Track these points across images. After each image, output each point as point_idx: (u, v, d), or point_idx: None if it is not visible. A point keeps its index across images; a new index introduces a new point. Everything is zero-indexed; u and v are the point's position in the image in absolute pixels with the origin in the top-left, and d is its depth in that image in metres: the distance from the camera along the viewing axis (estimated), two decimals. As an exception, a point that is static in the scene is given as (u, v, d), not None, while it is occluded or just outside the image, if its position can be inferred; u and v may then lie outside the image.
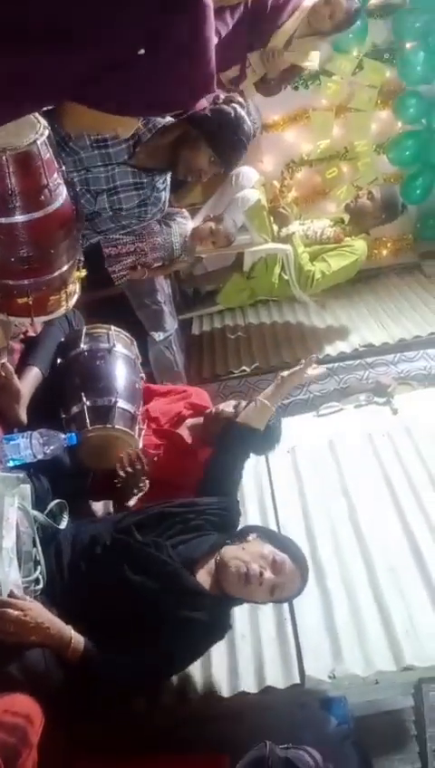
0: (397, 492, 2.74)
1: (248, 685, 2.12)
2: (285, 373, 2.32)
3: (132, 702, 1.97)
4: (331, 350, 3.85)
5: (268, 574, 1.88)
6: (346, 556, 2.53)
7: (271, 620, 2.32)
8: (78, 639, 1.72)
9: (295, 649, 2.23)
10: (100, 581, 1.83)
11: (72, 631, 1.72)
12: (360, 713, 2.34)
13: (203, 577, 1.91)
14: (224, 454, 2.24)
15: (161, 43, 1.19)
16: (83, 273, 2.09)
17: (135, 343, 2.51)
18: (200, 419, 2.60)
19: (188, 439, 2.57)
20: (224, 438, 2.27)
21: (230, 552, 1.94)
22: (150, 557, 1.85)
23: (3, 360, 2.04)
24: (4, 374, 2.04)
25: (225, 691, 2.10)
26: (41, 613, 1.67)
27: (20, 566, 1.67)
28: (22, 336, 2.23)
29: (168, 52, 1.21)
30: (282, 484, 2.84)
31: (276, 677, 2.15)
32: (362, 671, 2.15)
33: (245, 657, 2.21)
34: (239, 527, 2.13)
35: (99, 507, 2.47)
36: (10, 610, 1.60)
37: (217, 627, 1.93)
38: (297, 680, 2.14)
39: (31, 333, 2.26)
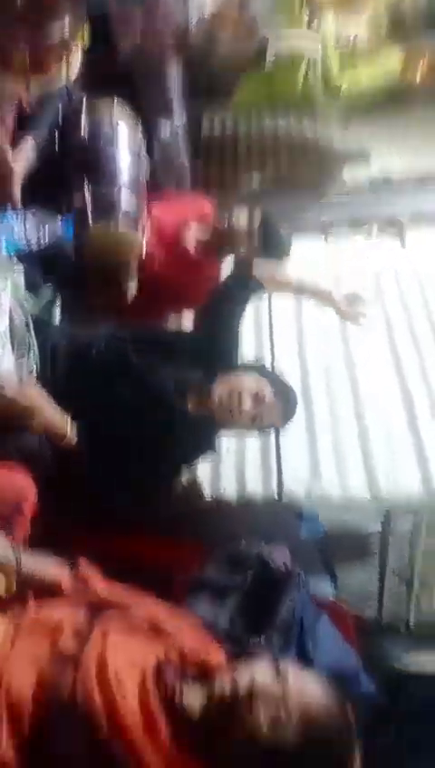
0: (395, 335, 2.70)
1: (229, 490, 2.20)
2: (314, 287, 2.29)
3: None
4: (347, 175, 3.58)
5: (249, 406, 1.89)
6: (336, 389, 2.54)
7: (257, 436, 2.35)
8: (72, 431, 1.73)
9: (276, 465, 2.29)
10: (91, 390, 1.82)
11: (69, 422, 1.72)
12: (330, 529, 2.47)
13: (193, 402, 1.93)
14: (228, 297, 2.16)
15: None
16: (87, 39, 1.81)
17: (140, 127, 2.28)
18: (207, 229, 2.44)
19: (192, 250, 2.44)
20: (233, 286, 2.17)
21: (217, 382, 1.93)
22: (144, 379, 1.85)
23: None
24: (-3, 146, 1.84)
25: (206, 492, 2.18)
26: (37, 395, 1.65)
27: (13, 352, 1.61)
28: (16, 102, 1.98)
29: None
30: (281, 313, 2.76)
31: (256, 488, 2.22)
32: (336, 493, 2.23)
33: (228, 466, 2.26)
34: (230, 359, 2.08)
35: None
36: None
37: (204, 445, 2.00)
38: (274, 493, 2.22)
39: (25, 101, 2.00)
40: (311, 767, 1.10)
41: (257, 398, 1.90)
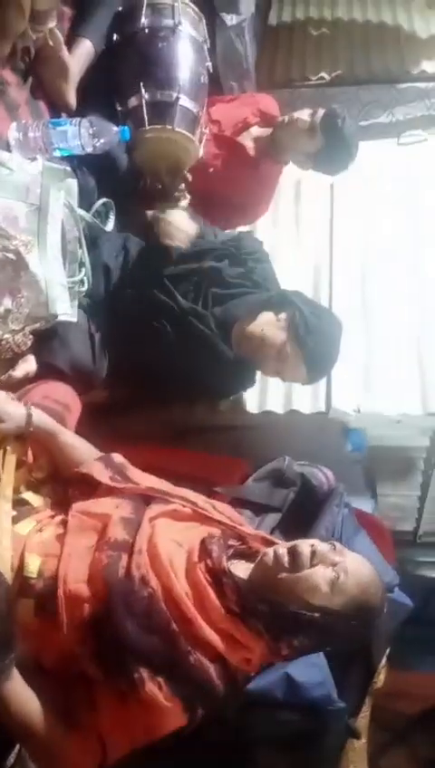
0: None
1: (275, 405, 2.22)
2: None
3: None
4: (428, 65, 3.27)
5: (274, 364, 1.88)
6: (397, 301, 2.45)
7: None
8: None
9: (326, 379, 2.27)
10: (138, 317, 1.82)
11: None
12: (375, 444, 2.48)
13: (236, 336, 1.90)
14: None
15: None
16: None
17: (204, 21, 2.13)
18: (268, 130, 2.31)
19: (252, 151, 2.32)
20: None
21: (254, 323, 1.88)
22: (191, 326, 1.83)
23: (51, 25, 1.74)
24: (52, 43, 1.76)
25: (252, 407, 2.20)
26: None
27: (64, 265, 1.61)
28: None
29: None
30: (344, 215, 2.64)
31: (303, 403, 2.23)
32: (387, 410, 2.21)
33: (276, 380, 2.26)
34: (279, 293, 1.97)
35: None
36: None
37: (246, 379, 2.02)
38: (323, 409, 2.22)
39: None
40: (350, 636, 1.21)
41: (282, 355, 1.84)
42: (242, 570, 1.22)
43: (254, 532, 1.34)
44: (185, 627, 1.14)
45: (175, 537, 1.25)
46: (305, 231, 2.63)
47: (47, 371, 1.63)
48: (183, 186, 2.11)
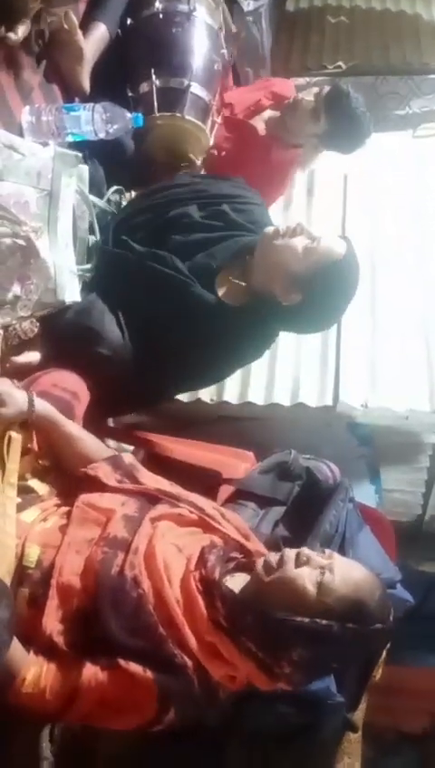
0: None
1: (282, 398, 2.21)
2: None
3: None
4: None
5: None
6: (406, 294, 2.44)
7: (317, 341, 2.31)
8: None
9: (334, 373, 2.26)
10: (146, 297, 1.66)
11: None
12: (382, 438, 2.47)
13: (226, 288, 1.68)
14: None
15: None
16: None
17: (221, 7, 2.10)
18: (278, 112, 2.28)
19: (263, 132, 2.28)
20: None
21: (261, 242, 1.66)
22: (150, 271, 1.62)
23: (66, 8, 1.72)
24: (67, 27, 1.74)
25: (259, 399, 2.19)
26: None
27: (74, 251, 1.60)
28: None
29: None
30: (356, 204, 2.62)
31: (310, 396, 2.22)
32: (395, 405, 2.20)
33: (283, 373, 2.26)
34: None
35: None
36: None
37: (255, 339, 1.75)
38: (330, 402, 2.21)
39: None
40: (350, 643, 1.16)
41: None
42: (240, 583, 1.21)
43: (258, 548, 1.33)
44: (172, 632, 1.13)
45: (176, 541, 1.25)
46: (317, 220, 2.61)
47: (70, 359, 1.56)
48: None
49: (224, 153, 2.22)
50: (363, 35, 3.36)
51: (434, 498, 2.70)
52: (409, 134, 2.89)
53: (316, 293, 1.61)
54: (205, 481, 1.69)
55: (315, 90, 2.18)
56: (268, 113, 2.32)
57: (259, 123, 2.30)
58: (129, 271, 1.65)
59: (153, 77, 1.88)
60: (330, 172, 2.60)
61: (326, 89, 2.15)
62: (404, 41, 3.31)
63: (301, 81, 2.97)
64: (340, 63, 3.19)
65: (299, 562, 1.16)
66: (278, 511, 1.73)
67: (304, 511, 1.74)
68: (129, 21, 1.96)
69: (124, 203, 1.84)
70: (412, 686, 3.00)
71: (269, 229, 1.65)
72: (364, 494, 2.28)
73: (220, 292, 1.66)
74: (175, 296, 1.62)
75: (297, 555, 1.17)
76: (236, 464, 1.81)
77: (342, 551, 1.70)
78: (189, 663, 1.12)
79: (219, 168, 2.17)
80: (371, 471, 2.45)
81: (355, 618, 1.14)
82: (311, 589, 1.13)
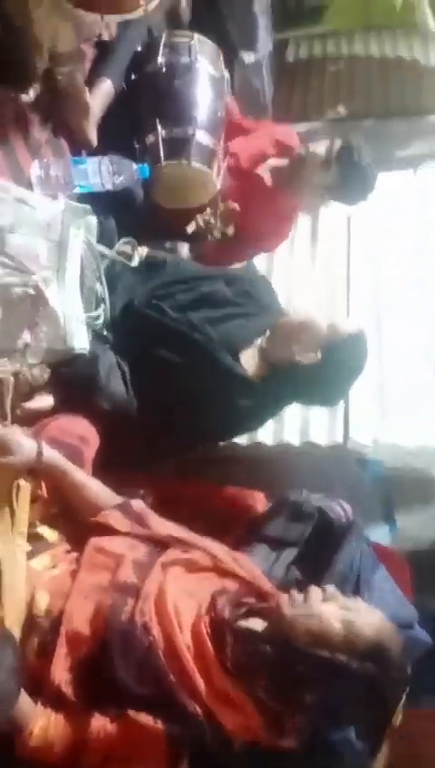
0: None
1: (292, 437, 2.21)
2: None
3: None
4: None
5: None
6: (413, 328, 2.45)
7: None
8: None
9: (344, 411, 2.27)
10: (141, 344, 1.74)
11: None
12: (394, 475, 2.46)
13: (247, 363, 1.79)
14: None
15: None
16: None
17: (222, 57, 2.17)
18: (285, 160, 2.34)
19: (269, 181, 2.34)
20: None
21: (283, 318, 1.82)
22: (183, 336, 1.72)
23: (73, 67, 1.79)
24: (74, 84, 1.81)
25: (269, 440, 2.20)
26: None
27: (82, 300, 1.63)
28: (95, 39, 1.93)
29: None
30: (360, 244, 2.66)
31: (320, 434, 2.22)
32: (405, 441, 2.19)
33: (292, 412, 2.26)
34: None
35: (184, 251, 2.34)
36: None
37: (266, 412, 1.87)
38: (340, 440, 2.21)
39: (105, 37, 1.95)
40: (366, 685, 1.15)
41: None
42: (254, 624, 1.20)
43: (274, 591, 1.32)
44: (182, 679, 1.12)
45: (187, 587, 1.24)
46: (322, 261, 2.65)
47: (78, 408, 1.60)
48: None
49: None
50: (364, 80, 3.45)
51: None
52: (410, 174, 2.94)
53: (335, 355, 1.73)
54: (215, 524, 1.68)
55: (325, 141, 2.24)
56: (273, 162, 2.38)
57: (264, 172, 2.35)
58: (159, 332, 1.73)
59: (159, 128, 1.94)
60: (333, 215, 2.64)
61: (338, 142, 2.21)
62: (403, 85, 3.40)
63: (302, 128, 3.04)
64: (340, 109, 3.27)
65: (325, 599, 1.17)
66: (291, 552, 1.71)
67: (318, 552, 1.72)
68: (133, 76, 2.03)
69: (136, 255, 1.87)
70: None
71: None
72: (378, 532, 2.26)
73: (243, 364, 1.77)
74: (204, 363, 1.71)
75: (324, 591, 1.18)
76: (247, 506, 1.80)
77: (357, 592, 1.67)
78: (201, 711, 1.11)
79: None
80: (384, 508, 2.43)
81: (376, 659, 1.14)
82: (337, 625, 1.13)
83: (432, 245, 2.64)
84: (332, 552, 1.71)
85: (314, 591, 1.18)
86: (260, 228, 2.37)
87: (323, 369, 1.73)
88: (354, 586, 1.69)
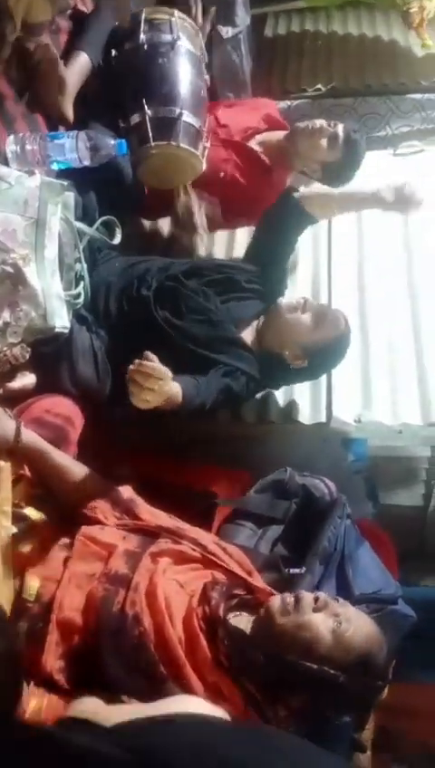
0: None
1: (275, 415, 2.21)
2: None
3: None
4: (423, 78, 3.29)
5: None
6: (395, 314, 2.45)
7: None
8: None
9: (326, 389, 2.27)
10: (139, 322, 1.78)
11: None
12: (377, 454, 2.47)
13: (246, 337, 1.93)
14: (274, 226, 2.06)
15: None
16: None
17: (200, 35, 2.14)
18: (274, 135, 2.31)
19: (264, 156, 2.32)
20: (277, 211, 2.06)
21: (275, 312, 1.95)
22: (198, 305, 1.82)
23: (47, 41, 1.75)
24: (48, 57, 1.77)
25: (252, 418, 2.19)
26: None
27: (61, 278, 1.60)
28: (70, 11, 1.89)
29: None
30: (342, 226, 2.65)
31: (304, 413, 2.22)
32: (388, 420, 2.20)
33: (277, 392, 2.26)
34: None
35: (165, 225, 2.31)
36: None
37: (260, 382, 1.97)
38: (323, 419, 2.21)
39: (81, 7, 1.91)
40: (352, 694, 1.17)
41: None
42: (244, 622, 1.20)
43: (263, 586, 1.32)
44: (173, 670, 1.12)
45: (178, 577, 1.24)
46: (304, 241, 2.63)
47: (51, 388, 1.61)
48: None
49: (223, 174, 2.24)
50: (341, 59, 3.41)
51: (432, 511, 2.70)
52: (389, 153, 2.93)
53: (320, 359, 2.00)
54: (201, 503, 1.69)
55: (326, 121, 2.25)
56: (264, 136, 2.36)
57: (256, 146, 2.33)
58: (164, 298, 1.81)
59: (145, 108, 1.90)
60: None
61: (341, 125, 2.24)
62: (381, 63, 3.37)
63: (282, 104, 3.01)
64: (319, 86, 3.23)
65: (316, 608, 1.16)
66: (276, 529, 1.72)
67: (303, 528, 1.74)
68: (113, 52, 1.98)
69: (118, 232, 1.85)
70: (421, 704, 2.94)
71: (281, 302, 1.97)
72: (362, 509, 2.28)
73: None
74: (210, 328, 1.84)
75: (316, 600, 1.17)
76: (233, 484, 1.80)
77: (342, 567, 1.69)
78: None
79: (222, 190, 2.19)
80: (368, 486, 2.44)
81: (363, 670, 1.15)
82: (327, 636, 1.13)
83: (412, 223, 2.63)
84: (316, 528, 1.73)
85: (307, 598, 1.17)
86: (254, 201, 2.34)
87: (311, 367, 1.99)
88: (339, 561, 1.71)
